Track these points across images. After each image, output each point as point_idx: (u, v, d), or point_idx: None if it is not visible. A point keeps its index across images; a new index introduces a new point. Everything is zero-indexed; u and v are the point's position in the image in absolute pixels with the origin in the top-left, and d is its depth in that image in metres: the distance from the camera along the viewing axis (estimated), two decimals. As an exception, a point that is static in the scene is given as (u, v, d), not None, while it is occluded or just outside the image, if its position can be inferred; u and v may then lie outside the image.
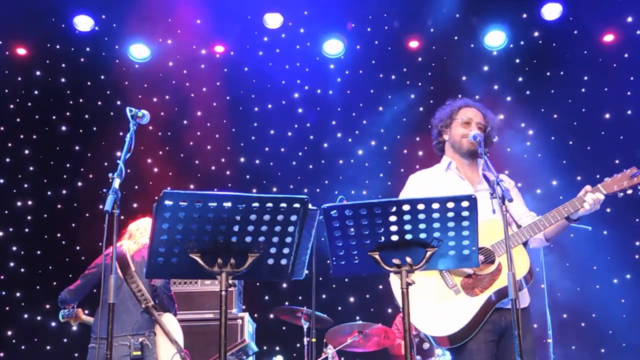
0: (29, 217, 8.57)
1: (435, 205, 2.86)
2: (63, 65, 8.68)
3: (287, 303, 7.79)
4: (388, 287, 3.95)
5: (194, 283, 6.62)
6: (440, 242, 2.95)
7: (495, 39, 8.37)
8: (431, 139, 4.38)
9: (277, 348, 8.08)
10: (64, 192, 8.65)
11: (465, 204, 2.86)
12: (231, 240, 2.87)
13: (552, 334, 5.98)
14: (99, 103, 8.75)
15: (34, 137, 8.68)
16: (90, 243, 7.63)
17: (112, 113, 8.66)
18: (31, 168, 8.65)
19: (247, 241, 2.89)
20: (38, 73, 8.68)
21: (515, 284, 3.26)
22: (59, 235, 8.53)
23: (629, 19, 8.22)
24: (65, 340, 8.10)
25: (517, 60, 8.55)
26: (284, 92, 8.81)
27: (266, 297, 8.43)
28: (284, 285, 8.41)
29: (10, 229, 8.49)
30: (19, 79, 8.65)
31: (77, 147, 8.69)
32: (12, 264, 8.40)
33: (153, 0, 8.09)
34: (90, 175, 8.61)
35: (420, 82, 8.62)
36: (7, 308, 8.25)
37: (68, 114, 8.74)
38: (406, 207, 2.87)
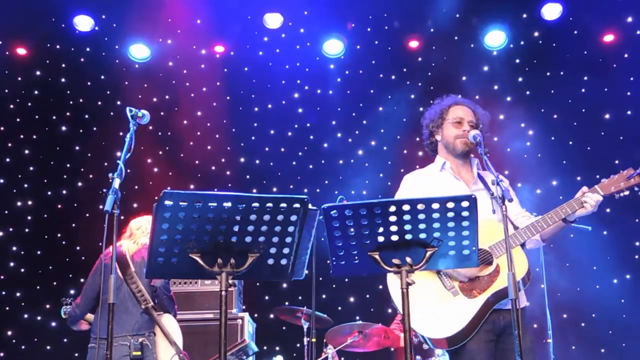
0: (29, 217, 8.57)
1: (435, 205, 2.87)
2: (63, 65, 8.68)
3: (287, 303, 7.79)
4: (388, 287, 3.96)
5: (194, 283, 6.61)
6: (440, 242, 2.95)
7: (495, 39, 8.37)
8: (422, 138, 4.36)
9: (277, 348, 8.08)
10: (64, 192, 8.65)
11: (465, 204, 2.87)
12: (231, 240, 2.88)
13: (552, 334, 5.97)
14: (99, 103, 8.75)
15: (34, 137, 8.68)
16: (90, 243, 7.65)
17: (112, 113, 8.65)
18: (31, 168, 8.65)
19: (247, 241, 2.89)
20: (38, 73, 8.68)
21: (515, 283, 3.26)
22: (59, 235, 8.53)
23: (629, 19, 8.22)
24: (65, 340, 8.09)
25: (517, 61, 8.55)
26: (284, 92, 8.81)
27: (266, 297, 8.43)
28: (284, 285, 8.41)
29: (11, 229, 8.49)
30: (19, 79, 8.65)
31: (77, 147, 8.69)
32: (12, 264, 8.40)
33: (153, 0, 8.10)
34: (90, 175, 8.61)
35: (420, 82, 8.62)
36: (7, 308, 8.25)
37: (68, 114, 8.74)
38: (406, 207, 2.87)
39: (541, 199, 7.98)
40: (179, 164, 8.64)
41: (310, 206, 2.89)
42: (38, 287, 8.30)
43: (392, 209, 2.86)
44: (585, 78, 8.39)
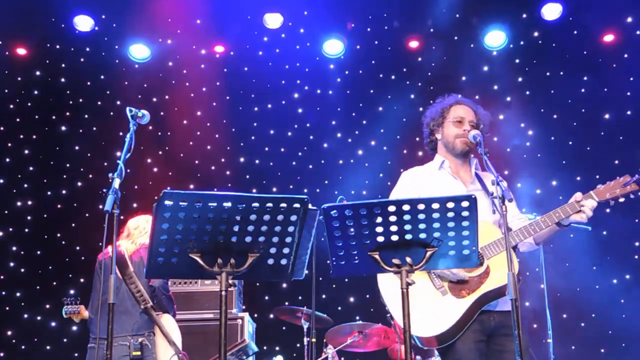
0: (28, 217, 8.57)
1: (435, 205, 2.87)
2: (63, 65, 8.67)
3: (287, 303, 7.79)
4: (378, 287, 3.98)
5: (193, 283, 6.61)
6: (440, 242, 2.95)
7: (495, 39, 8.37)
8: (423, 137, 4.37)
9: (277, 348, 8.08)
10: (63, 192, 8.64)
11: (465, 204, 2.87)
12: (231, 240, 2.88)
13: (552, 334, 5.97)
14: (99, 103, 8.75)
15: (34, 137, 8.68)
16: (90, 243, 7.65)
17: (112, 113, 8.65)
18: (31, 168, 8.65)
19: (247, 241, 2.89)
20: (38, 73, 8.68)
21: (515, 284, 3.26)
22: (58, 235, 8.52)
23: (629, 19, 8.22)
24: (65, 340, 8.10)
25: (517, 61, 8.55)
26: (283, 92, 8.80)
27: (266, 297, 8.43)
28: (284, 285, 8.41)
29: (10, 229, 8.49)
30: (19, 79, 8.65)
31: (76, 147, 8.68)
32: (12, 264, 8.40)
33: (153, 1, 8.10)
34: (90, 175, 8.60)
35: (420, 82, 8.62)
36: (7, 308, 8.25)
37: (68, 114, 8.74)
38: (406, 207, 2.87)
39: (541, 199, 7.98)
40: (178, 164, 8.63)
41: (310, 206, 2.89)
42: (38, 287, 8.30)
43: (392, 209, 2.87)
44: (585, 78, 8.39)
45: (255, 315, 7.68)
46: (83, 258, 8.20)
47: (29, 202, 8.59)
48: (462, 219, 2.89)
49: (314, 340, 5.54)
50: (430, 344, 3.85)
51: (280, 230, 2.90)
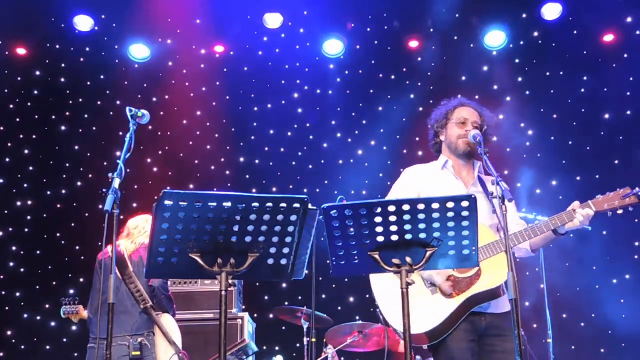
0: (28, 217, 8.57)
1: (435, 206, 2.87)
2: (63, 65, 8.68)
3: (286, 303, 7.79)
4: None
5: (193, 283, 6.61)
6: (440, 242, 2.95)
7: (495, 39, 8.36)
8: (428, 140, 4.38)
9: (277, 348, 8.08)
10: (63, 192, 8.64)
11: (465, 204, 2.86)
12: (231, 240, 2.88)
13: (552, 334, 5.97)
14: (99, 103, 8.75)
15: (34, 137, 8.68)
16: (90, 243, 7.65)
17: (111, 113, 8.65)
18: (31, 168, 8.65)
19: (247, 241, 2.89)
20: (38, 73, 8.68)
21: (515, 284, 3.25)
22: (58, 235, 8.52)
23: (629, 19, 8.22)
24: (65, 340, 8.10)
25: (517, 61, 8.55)
26: (283, 92, 8.80)
27: (266, 297, 8.43)
28: (284, 285, 8.41)
29: (10, 229, 8.49)
30: (19, 79, 8.65)
31: (76, 147, 8.68)
32: (11, 264, 8.40)
33: (153, 0, 8.09)
34: (90, 175, 8.60)
35: (419, 82, 8.61)
36: (7, 308, 8.25)
37: (68, 113, 8.74)
38: (406, 207, 2.87)
39: (541, 199, 7.98)
40: (178, 164, 8.63)
41: (310, 206, 2.89)
42: (38, 287, 8.30)
43: (392, 209, 2.87)
44: (585, 78, 8.39)
45: (255, 315, 7.68)
46: (83, 258, 8.20)
47: (29, 202, 8.60)
48: (462, 219, 2.89)
49: (314, 340, 5.54)
50: (422, 341, 3.86)
51: (280, 230, 2.90)
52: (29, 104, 8.69)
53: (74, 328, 7.63)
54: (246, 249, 2.92)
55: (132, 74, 8.64)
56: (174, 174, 8.64)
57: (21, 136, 8.68)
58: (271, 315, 7.72)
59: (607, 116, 8.37)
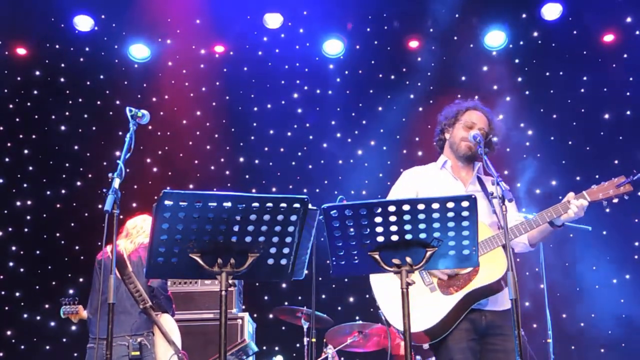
0: (28, 217, 8.57)
1: (435, 205, 2.87)
2: (62, 65, 8.67)
3: (286, 303, 7.78)
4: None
5: (193, 283, 6.61)
6: (440, 242, 2.95)
7: (495, 39, 8.36)
8: (434, 134, 4.39)
9: (277, 348, 8.08)
10: (63, 191, 8.64)
11: (465, 204, 2.87)
12: (231, 240, 2.88)
13: (552, 334, 5.97)
14: (98, 103, 8.75)
15: (34, 136, 8.68)
16: (90, 243, 7.66)
17: (111, 113, 8.65)
18: (30, 168, 8.65)
19: (247, 241, 2.89)
20: (37, 73, 8.67)
21: (515, 284, 3.25)
22: (58, 235, 8.52)
23: (628, 19, 8.22)
24: (64, 340, 8.10)
25: (517, 61, 8.54)
26: (283, 92, 8.80)
27: (265, 297, 8.43)
28: (284, 285, 8.41)
29: (10, 229, 8.49)
30: (19, 78, 8.65)
31: (76, 147, 8.68)
32: (11, 264, 8.40)
33: (153, 0, 8.09)
34: (90, 175, 8.60)
35: (419, 82, 8.61)
36: (7, 308, 8.25)
37: (67, 113, 8.73)
38: (406, 207, 2.87)
39: (541, 199, 7.98)
40: (178, 164, 8.63)
41: (310, 206, 2.89)
42: (37, 287, 8.30)
43: (392, 209, 2.87)
44: (585, 78, 8.39)
45: (255, 315, 7.68)
46: (82, 258, 8.20)
47: (29, 202, 8.59)
48: (462, 219, 2.89)
49: (314, 340, 5.53)
50: (422, 340, 3.87)
51: (280, 230, 2.90)
52: (29, 103, 8.69)
53: (74, 328, 7.63)
54: (246, 249, 2.92)
55: (132, 73, 8.64)
56: (173, 174, 8.64)
57: (21, 136, 8.68)
58: (271, 315, 7.72)
59: (606, 116, 8.37)
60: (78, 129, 8.71)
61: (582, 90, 8.35)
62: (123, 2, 8.14)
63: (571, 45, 8.33)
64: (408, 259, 2.97)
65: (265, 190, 8.38)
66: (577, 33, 8.27)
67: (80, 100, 8.75)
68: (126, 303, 5.04)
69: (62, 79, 8.72)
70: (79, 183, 8.66)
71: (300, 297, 8.03)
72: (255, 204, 2.81)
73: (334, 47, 8.53)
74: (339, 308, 8.25)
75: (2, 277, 8.36)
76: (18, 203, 8.56)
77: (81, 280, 8.08)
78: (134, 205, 7.87)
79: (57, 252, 8.41)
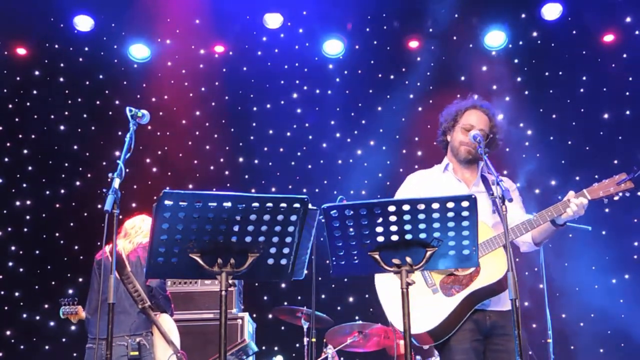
0: (27, 217, 8.56)
1: (435, 205, 2.87)
2: (62, 64, 8.67)
3: (285, 303, 7.78)
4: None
5: (193, 283, 6.61)
6: (440, 242, 2.95)
7: (495, 39, 8.36)
8: (437, 135, 4.38)
9: (276, 348, 8.07)
10: (62, 191, 8.64)
11: (465, 204, 2.87)
12: (231, 240, 2.88)
13: (552, 334, 5.97)
14: (98, 103, 8.75)
15: (33, 136, 8.67)
16: (89, 243, 7.66)
17: (110, 112, 8.65)
18: (30, 168, 8.65)
19: (247, 241, 2.89)
20: (37, 73, 8.67)
21: (515, 284, 3.25)
22: (57, 234, 8.52)
23: (628, 19, 8.22)
24: (64, 340, 8.10)
25: (516, 60, 8.54)
26: (282, 92, 8.80)
27: (265, 298, 8.43)
28: (283, 285, 8.41)
29: (9, 229, 8.48)
30: (18, 78, 8.64)
31: (75, 147, 8.68)
32: (10, 264, 8.39)
33: (152, 1, 8.09)
34: (89, 175, 8.60)
35: (419, 82, 8.61)
36: (6, 308, 8.25)
37: (67, 113, 8.72)
38: (406, 207, 2.87)
39: (540, 199, 7.98)
40: (177, 164, 8.62)
41: (310, 206, 2.89)
42: (37, 287, 8.30)
43: (392, 208, 2.87)
44: (584, 78, 8.39)
45: (254, 315, 7.68)
46: (82, 258, 8.20)
47: (28, 202, 8.59)
48: (462, 219, 2.89)
49: (314, 340, 5.53)
50: (425, 341, 3.87)
51: (280, 230, 2.90)
52: (28, 103, 8.69)
53: (73, 328, 7.62)
54: (246, 249, 2.92)
55: (131, 73, 8.64)
56: (173, 174, 8.63)
57: (20, 136, 8.67)
58: (270, 316, 7.72)
59: (606, 116, 8.37)
60: (77, 129, 8.71)
61: (582, 90, 8.35)
62: (123, 2, 8.14)
63: (571, 45, 8.33)
64: (408, 259, 2.97)
65: (264, 190, 8.38)
66: (576, 33, 8.27)
67: (79, 100, 8.74)
68: (125, 303, 5.03)
69: (61, 79, 8.72)
70: (78, 183, 8.65)
71: (299, 297, 8.02)
72: (255, 204, 2.81)
73: (334, 47, 8.53)
74: (339, 308, 8.25)
75: (1, 277, 8.35)
76: (17, 203, 8.56)
77: (80, 280, 8.08)
78: (133, 205, 7.86)
79: (56, 252, 8.41)
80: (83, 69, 8.62)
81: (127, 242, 5.26)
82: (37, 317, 8.23)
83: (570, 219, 3.83)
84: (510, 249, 3.37)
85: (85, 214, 8.39)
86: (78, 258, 8.30)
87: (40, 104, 8.66)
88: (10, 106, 8.65)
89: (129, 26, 8.38)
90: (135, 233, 5.31)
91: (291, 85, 8.79)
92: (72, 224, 8.50)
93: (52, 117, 8.72)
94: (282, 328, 7.89)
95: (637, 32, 8.20)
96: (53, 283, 8.32)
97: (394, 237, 2.93)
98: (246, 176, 8.79)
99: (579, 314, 7.86)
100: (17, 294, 8.29)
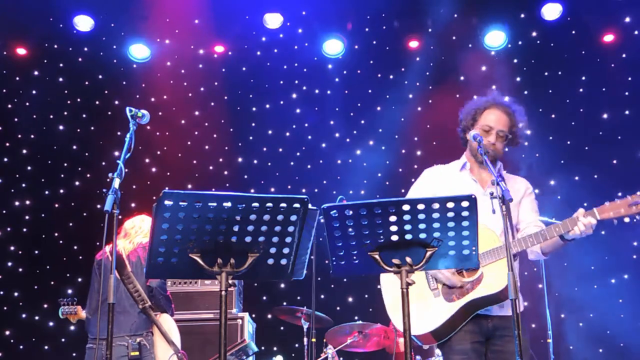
0: (27, 217, 8.56)
1: (435, 205, 2.86)
2: (61, 65, 8.66)
3: (284, 303, 7.79)
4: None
5: (193, 283, 6.61)
6: (440, 242, 2.95)
7: (495, 39, 8.36)
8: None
9: (275, 348, 8.07)
10: (61, 191, 8.64)
11: (465, 203, 2.86)
12: (231, 240, 2.88)
13: (552, 334, 5.98)
14: (97, 103, 8.74)
15: (32, 136, 8.66)
16: (88, 242, 7.66)
17: (109, 112, 8.65)
18: (29, 168, 8.64)
19: (247, 241, 2.89)
20: (36, 73, 8.67)
21: (515, 284, 3.25)
22: (56, 234, 8.52)
23: (627, 19, 8.22)
24: (63, 339, 8.10)
25: (515, 60, 8.55)
26: (282, 92, 8.80)
27: (264, 298, 8.43)
28: (282, 285, 8.41)
29: (9, 229, 8.48)
30: (17, 78, 8.64)
31: (74, 147, 8.67)
32: (10, 264, 8.39)
33: (152, 1, 8.08)
34: (88, 175, 8.60)
35: (418, 82, 8.61)
36: (5, 308, 8.25)
37: (66, 113, 8.72)
38: (406, 207, 2.87)
39: (539, 199, 7.93)
40: (176, 164, 8.62)
41: (310, 206, 2.89)
42: (36, 287, 8.29)
43: (392, 209, 2.86)
44: (583, 78, 8.39)
45: (254, 315, 7.67)
46: (81, 257, 8.21)
47: (27, 202, 8.59)
48: (462, 219, 2.89)
49: (314, 340, 5.54)
50: (428, 340, 3.89)
51: (280, 230, 2.90)
52: (28, 103, 8.68)
53: (72, 328, 7.61)
54: (246, 249, 2.92)
55: (131, 73, 8.64)
56: (172, 174, 8.63)
57: (19, 136, 8.66)
58: (269, 316, 7.72)
59: (605, 116, 8.37)
60: (77, 129, 8.71)
61: (581, 90, 8.35)
62: (122, 3, 8.14)
63: (570, 45, 8.33)
64: (408, 259, 2.97)
65: (263, 191, 8.37)
66: (576, 33, 8.27)
67: (79, 100, 8.75)
68: (125, 303, 5.04)
69: (60, 79, 8.71)
70: (77, 183, 8.65)
71: (299, 297, 8.03)
72: (255, 204, 2.81)
73: (334, 47, 8.52)
74: (338, 308, 8.25)
75: (0, 277, 8.35)
76: (17, 203, 8.56)
77: (80, 280, 8.08)
78: (133, 205, 7.86)
79: (55, 252, 8.41)
80: (82, 69, 8.61)
81: (127, 242, 5.26)
82: (37, 317, 8.22)
83: (576, 237, 3.76)
84: (510, 249, 3.37)
85: (85, 214, 8.39)
86: (77, 258, 8.30)
87: (40, 103, 8.65)
88: (9, 106, 8.65)
89: (128, 26, 8.38)
90: (136, 233, 5.31)
91: (290, 85, 8.79)
92: (71, 224, 8.50)
93: (52, 117, 8.72)
94: (282, 328, 7.89)
95: (636, 32, 8.20)
96: (52, 283, 8.32)
97: (394, 237, 2.93)
98: (245, 176, 8.78)
99: (579, 314, 7.86)
100: (16, 294, 8.29)
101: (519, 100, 8.41)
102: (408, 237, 2.93)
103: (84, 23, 8.30)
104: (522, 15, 8.39)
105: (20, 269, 8.37)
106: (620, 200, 3.79)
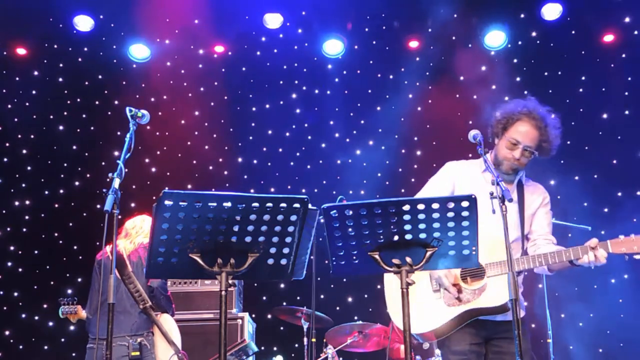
0: (26, 217, 8.55)
1: (435, 205, 2.87)
2: (61, 65, 8.66)
3: (284, 303, 7.78)
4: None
5: (193, 283, 6.61)
6: (440, 242, 2.95)
7: (495, 39, 8.35)
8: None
9: (275, 348, 8.07)
10: (61, 191, 8.63)
11: (465, 204, 2.87)
12: (231, 240, 2.88)
13: (552, 334, 5.98)
14: (97, 103, 8.74)
15: (32, 136, 8.66)
16: (88, 242, 7.66)
17: (109, 113, 8.64)
18: (29, 168, 8.64)
19: (247, 241, 2.89)
20: (36, 73, 8.66)
21: (515, 284, 3.25)
22: (56, 234, 8.51)
23: (627, 20, 8.22)
24: (62, 339, 8.09)
25: (515, 60, 8.55)
26: (281, 92, 8.80)
27: (264, 298, 8.43)
28: (282, 285, 8.41)
29: (8, 229, 8.48)
30: (17, 78, 8.64)
31: (74, 147, 8.67)
32: (9, 264, 8.38)
33: (151, 1, 8.08)
34: (88, 175, 8.60)
35: (418, 82, 8.61)
36: (5, 308, 8.25)
37: (65, 113, 8.72)
38: (406, 207, 2.87)
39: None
40: (176, 164, 8.62)
41: (310, 206, 2.89)
42: (35, 287, 8.29)
43: (392, 209, 2.87)
44: (583, 78, 8.39)
45: (253, 315, 7.67)
46: (80, 257, 8.21)
47: (27, 202, 8.59)
48: (462, 219, 2.89)
49: (314, 340, 5.54)
50: (430, 337, 3.91)
51: (280, 230, 2.90)
52: (27, 103, 8.68)
53: (72, 328, 7.62)
54: (246, 249, 2.92)
55: (130, 73, 8.64)
56: (172, 174, 8.63)
57: (19, 136, 8.66)
58: (269, 316, 7.71)
59: (605, 116, 8.37)
60: (76, 129, 8.71)
61: (581, 90, 8.35)
62: (122, 3, 8.13)
63: (570, 45, 8.33)
64: (408, 259, 2.97)
65: (263, 191, 8.37)
66: (576, 33, 8.27)
67: (78, 100, 8.75)
68: (126, 303, 5.04)
69: (60, 79, 8.71)
70: (77, 183, 8.65)
71: (298, 297, 8.03)
72: (255, 204, 2.81)
73: (334, 47, 8.52)
74: (338, 308, 8.24)
75: (0, 277, 8.35)
76: (16, 203, 8.55)
77: (79, 280, 8.08)
78: (132, 205, 7.86)
79: (55, 252, 8.40)
80: (82, 69, 8.61)
81: (128, 242, 5.26)
82: (36, 317, 8.22)
83: (585, 266, 3.74)
84: (510, 249, 3.36)
85: (84, 214, 8.38)
86: (77, 258, 8.30)
87: (40, 104, 8.65)
88: (9, 106, 8.64)
89: (128, 26, 8.37)
90: (136, 233, 5.32)
91: (290, 86, 8.79)
92: (71, 224, 8.50)
93: (51, 117, 8.72)
94: (282, 328, 7.88)
95: (636, 32, 8.20)
96: (52, 283, 8.32)
97: (394, 237, 2.93)
98: (245, 176, 8.78)
99: (579, 314, 7.85)
100: (16, 293, 8.29)
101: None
102: (408, 237, 2.93)
103: (83, 23, 8.30)
104: (522, 15, 8.39)
105: (20, 269, 8.37)
106: (635, 237, 3.74)
